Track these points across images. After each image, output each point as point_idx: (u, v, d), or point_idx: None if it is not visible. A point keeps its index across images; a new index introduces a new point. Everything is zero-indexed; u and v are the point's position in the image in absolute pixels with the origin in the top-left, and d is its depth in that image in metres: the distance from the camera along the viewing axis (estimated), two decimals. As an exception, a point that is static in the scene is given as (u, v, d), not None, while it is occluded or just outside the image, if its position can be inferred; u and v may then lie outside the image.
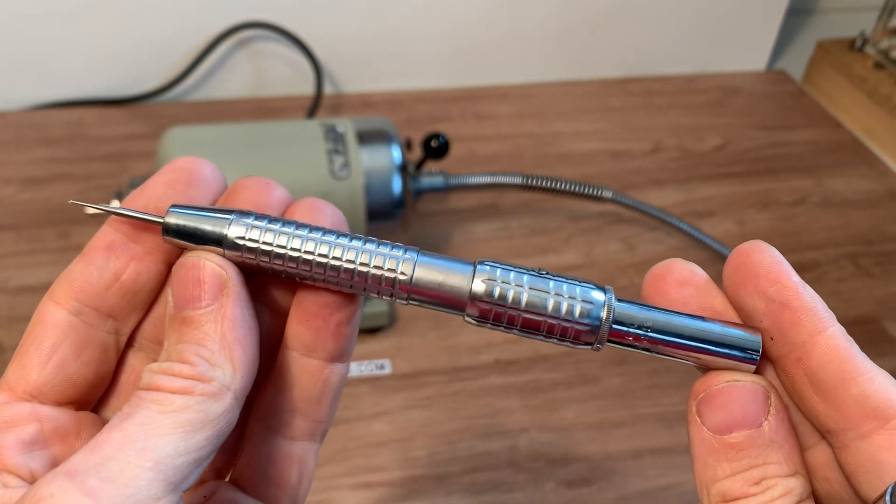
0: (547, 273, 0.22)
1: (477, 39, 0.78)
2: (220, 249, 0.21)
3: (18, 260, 0.56)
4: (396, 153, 0.50)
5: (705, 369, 0.21)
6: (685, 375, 0.52)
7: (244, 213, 0.22)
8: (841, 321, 0.60)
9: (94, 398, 0.23)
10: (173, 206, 0.22)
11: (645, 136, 0.75)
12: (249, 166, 0.47)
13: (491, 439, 0.48)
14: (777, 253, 0.22)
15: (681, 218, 0.61)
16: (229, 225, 0.21)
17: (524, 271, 0.21)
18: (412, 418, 0.48)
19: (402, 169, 0.50)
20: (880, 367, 0.20)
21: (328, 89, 0.76)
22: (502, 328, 0.22)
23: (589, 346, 0.21)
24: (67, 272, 0.22)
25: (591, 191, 0.57)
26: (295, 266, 0.21)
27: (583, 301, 0.21)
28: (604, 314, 0.21)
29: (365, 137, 0.50)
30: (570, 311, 0.21)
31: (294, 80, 0.75)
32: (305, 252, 0.21)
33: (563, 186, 0.57)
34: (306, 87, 0.74)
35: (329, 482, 0.44)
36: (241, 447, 0.24)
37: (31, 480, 0.21)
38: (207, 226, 0.21)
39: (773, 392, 0.20)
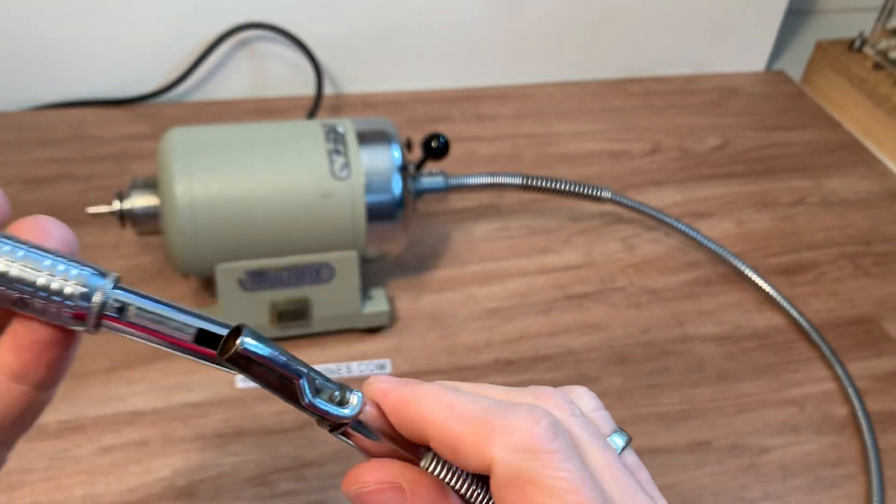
0: (52, 252, 0.22)
1: (477, 40, 0.78)
2: None
3: (20, 260, 0.56)
4: (397, 153, 0.50)
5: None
6: (685, 375, 0.52)
7: None
8: (839, 321, 0.60)
9: None
10: None
11: (644, 136, 0.75)
12: (250, 167, 0.48)
13: (491, 438, 0.48)
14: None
15: (680, 218, 0.61)
16: None
17: (29, 248, 0.22)
18: (412, 417, 0.48)
19: (403, 169, 0.51)
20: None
21: (328, 90, 0.76)
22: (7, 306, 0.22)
23: (83, 328, 0.22)
24: None
25: (590, 191, 0.58)
26: None
27: (76, 283, 0.22)
28: (97, 298, 0.22)
29: (365, 138, 0.50)
30: (60, 291, 0.22)
31: (294, 80, 0.75)
32: None
33: (562, 187, 0.57)
34: (307, 88, 0.75)
35: (329, 481, 0.44)
36: None
37: None
38: None
39: (406, 476, 0.23)
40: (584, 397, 0.26)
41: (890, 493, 0.46)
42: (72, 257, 0.22)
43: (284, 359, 0.23)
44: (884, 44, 0.80)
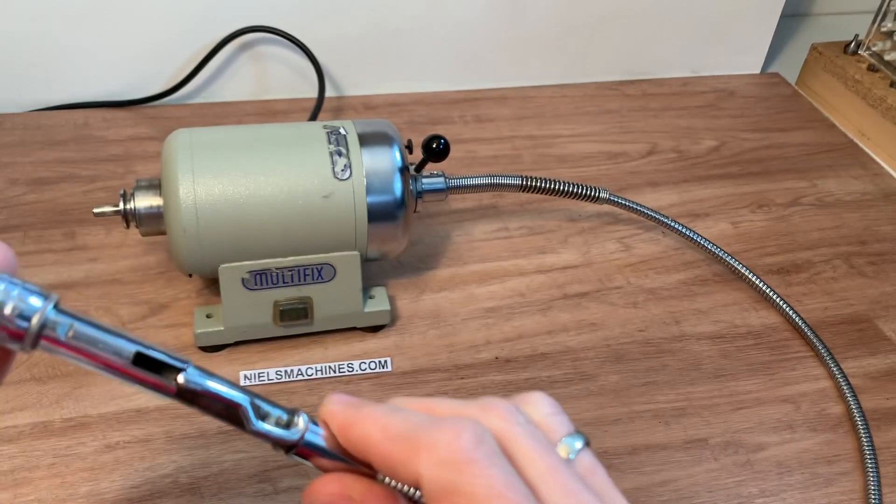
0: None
1: (476, 44, 0.79)
2: None
3: (25, 260, 0.57)
4: (398, 155, 0.51)
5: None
6: (681, 373, 0.52)
7: None
8: (834, 320, 0.61)
9: None
10: None
11: (641, 138, 0.76)
12: (253, 168, 0.48)
13: (490, 435, 0.48)
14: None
15: (676, 219, 0.62)
16: None
17: None
18: (413, 415, 0.49)
19: (404, 170, 0.51)
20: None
21: (330, 92, 0.77)
22: None
23: (19, 348, 0.23)
24: None
25: (588, 192, 0.58)
26: None
27: (15, 304, 0.22)
28: (35, 319, 0.22)
29: (366, 139, 0.51)
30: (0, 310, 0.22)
31: (296, 83, 0.76)
32: None
33: (560, 187, 0.57)
34: (309, 91, 0.75)
35: (332, 477, 0.45)
36: None
37: None
38: None
39: (357, 487, 0.24)
40: (538, 403, 0.26)
41: (886, 489, 0.46)
42: (11, 277, 0.23)
43: (227, 388, 0.24)
44: (878, 46, 0.81)
